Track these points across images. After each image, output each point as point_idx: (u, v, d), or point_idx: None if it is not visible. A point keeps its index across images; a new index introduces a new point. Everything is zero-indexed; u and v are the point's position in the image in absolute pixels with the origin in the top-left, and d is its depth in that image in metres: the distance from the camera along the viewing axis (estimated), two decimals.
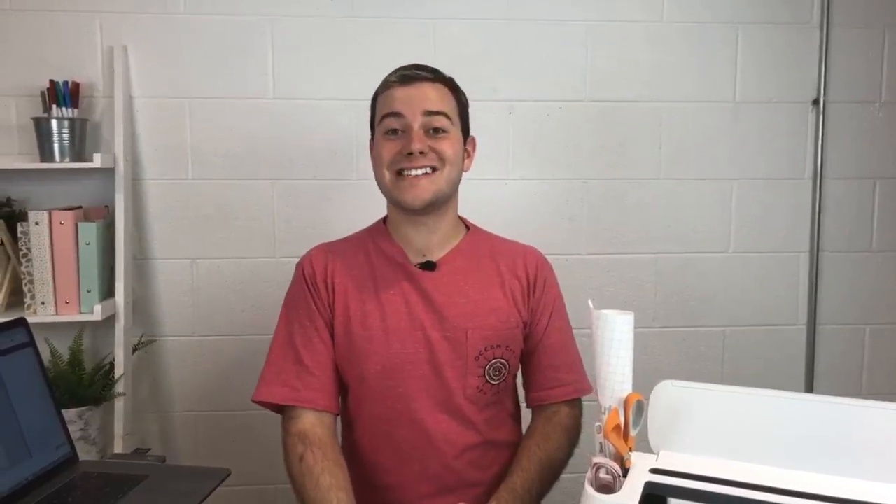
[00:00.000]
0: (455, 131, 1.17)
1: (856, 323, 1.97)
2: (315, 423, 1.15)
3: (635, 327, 0.88)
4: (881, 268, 1.96)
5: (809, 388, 1.96)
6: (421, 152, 1.11)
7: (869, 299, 1.97)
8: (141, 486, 1.13)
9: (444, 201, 1.17)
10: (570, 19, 1.84)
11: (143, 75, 1.77)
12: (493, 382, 1.18)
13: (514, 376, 1.26)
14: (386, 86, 1.18)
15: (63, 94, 1.69)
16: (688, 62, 1.88)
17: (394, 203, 1.18)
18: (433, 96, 1.15)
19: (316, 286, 1.19)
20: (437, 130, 1.14)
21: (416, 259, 1.19)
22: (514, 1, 1.83)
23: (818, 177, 1.92)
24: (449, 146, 1.15)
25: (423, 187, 1.12)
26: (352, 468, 1.15)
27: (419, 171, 1.12)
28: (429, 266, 1.19)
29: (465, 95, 1.23)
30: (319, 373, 1.16)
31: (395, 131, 1.14)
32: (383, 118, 1.15)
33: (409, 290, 1.17)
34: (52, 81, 1.69)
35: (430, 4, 1.81)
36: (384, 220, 1.26)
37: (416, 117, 1.13)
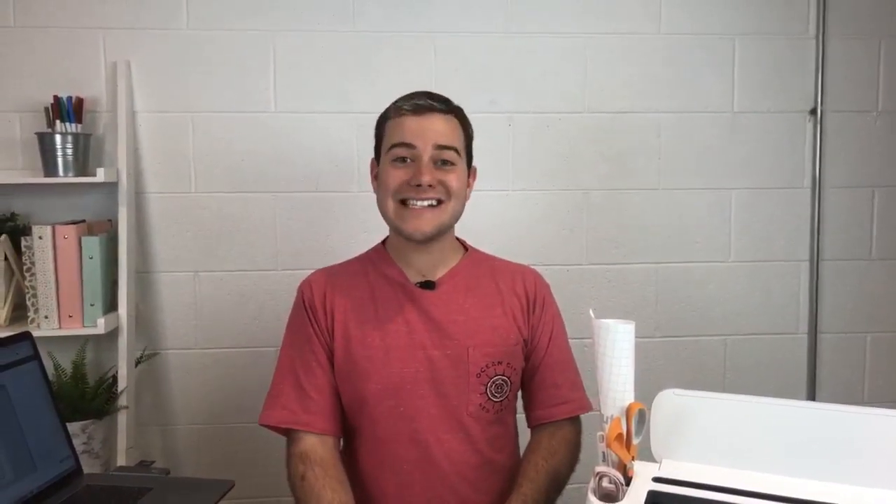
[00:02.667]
0: (461, 164, 1.18)
1: (857, 331, 1.98)
2: (316, 444, 1.16)
3: (636, 337, 0.88)
4: (881, 276, 1.97)
5: (811, 397, 1.96)
6: (430, 185, 1.13)
7: (869, 307, 1.98)
8: (145, 499, 1.14)
9: (444, 232, 1.19)
10: (568, 32, 1.86)
11: (146, 90, 1.79)
12: (495, 399, 1.18)
13: (516, 395, 1.25)
14: (397, 113, 1.18)
15: (67, 110, 1.70)
16: (686, 73, 1.89)
17: (395, 232, 1.20)
18: (444, 129, 1.16)
19: (315, 311, 1.21)
20: (444, 162, 1.16)
21: (416, 279, 1.20)
22: (512, 14, 1.85)
23: (817, 186, 1.93)
24: (455, 179, 1.16)
25: (426, 220, 1.14)
26: (353, 491, 1.16)
27: (424, 203, 1.14)
28: (428, 286, 1.20)
29: (471, 126, 1.24)
30: (318, 396, 1.17)
31: (403, 159, 1.15)
32: (393, 147, 1.16)
33: (409, 310, 1.18)
34: (55, 97, 1.71)
35: (430, 18, 1.83)
36: (383, 242, 1.28)
37: (427, 150, 1.14)
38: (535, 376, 1.23)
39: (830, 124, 1.92)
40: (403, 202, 1.15)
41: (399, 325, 1.17)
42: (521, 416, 1.29)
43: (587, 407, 1.23)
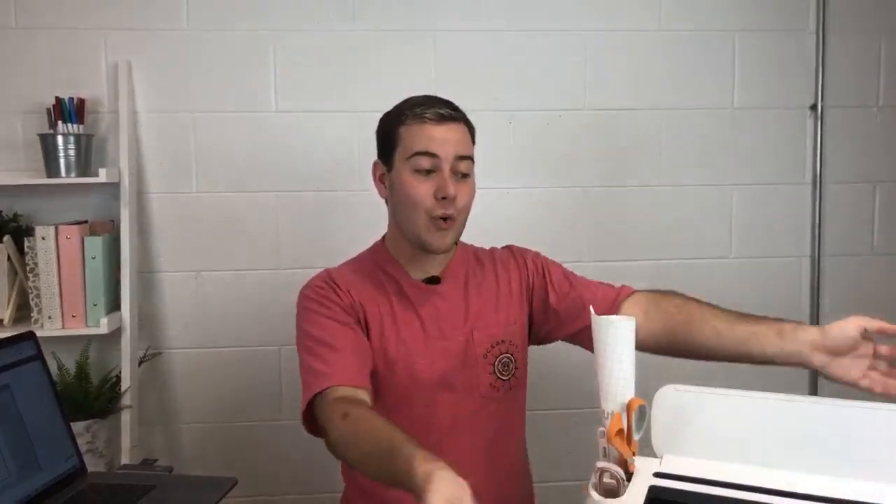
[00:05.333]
0: (473, 174, 1.20)
1: None
2: (352, 392, 1.07)
3: (637, 333, 0.89)
4: (882, 271, 1.96)
5: (813, 392, 1.96)
6: (454, 198, 1.14)
7: (871, 302, 1.97)
8: (149, 497, 1.14)
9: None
10: (568, 29, 1.86)
11: (147, 90, 1.80)
12: (503, 378, 1.21)
13: (524, 375, 1.27)
14: (418, 119, 1.17)
15: (69, 110, 1.71)
16: (686, 70, 1.89)
17: (417, 243, 1.18)
18: (462, 138, 1.18)
19: (335, 293, 1.18)
20: (463, 175, 1.17)
21: (420, 276, 1.22)
22: (513, 12, 1.85)
23: (818, 181, 1.93)
24: (468, 193, 1.18)
25: (449, 237, 1.17)
26: (368, 486, 1.16)
27: (448, 213, 1.15)
28: (433, 281, 1.23)
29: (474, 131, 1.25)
30: (352, 356, 1.11)
31: (426, 171, 1.15)
32: (416, 155, 1.15)
33: (419, 305, 1.20)
34: (57, 98, 1.71)
35: (431, 16, 1.83)
36: (382, 239, 1.28)
37: (448, 160, 1.15)
38: (571, 307, 1.24)
39: (831, 120, 1.92)
40: (432, 218, 1.15)
41: (413, 320, 1.19)
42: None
43: (631, 287, 1.25)
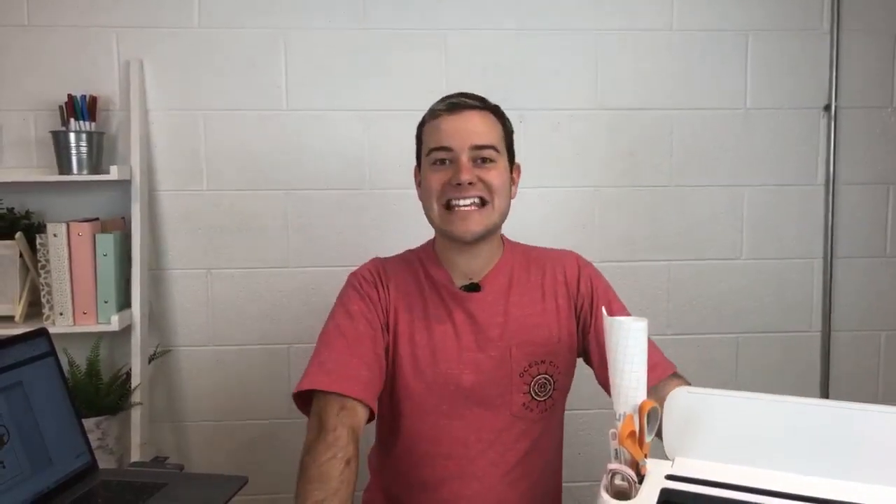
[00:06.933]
0: (502, 160, 1.17)
1: (871, 329, 1.96)
2: (362, 424, 1.08)
3: (649, 334, 0.88)
4: (895, 273, 1.95)
5: (825, 395, 1.95)
6: (470, 183, 1.11)
7: (884, 305, 1.96)
8: (160, 494, 1.14)
9: (493, 232, 1.18)
10: (580, 29, 1.86)
11: (158, 89, 1.80)
12: (539, 399, 1.18)
13: (563, 395, 1.24)
14: (433, 115, 1.17)
15: (81, 108, 1.72)
16: (698, 70, 1.88)
17: (443, 235, 1.17)
18: (480, 127, 1.14)
19: (376, 289, 1.19)
20: (484, 160, 1.14)
21: (461, 282, 1.20)
22: (524, 11, 1.85)
23: (830, 183, 1.92)
24: (496, 176, 1.14)
25: (474, 220, 1.12)
26: (390, 487, 1.16)
27: (467, 202, 1.12)
28: (473, 288, 1.19)
29: (510, 123, 1.22)
30: (368, 372, 1.12)
31: (442, 161, 1.14)
32: (431, 151, 1.15)
33: (455, 313, 1.17)
34: (70, 95, 1.72)
35: (441, 16, 1.83)
36: (433, 241, 1.26)
37: (464, 150, 1.12)
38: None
39: (844, 121, 1.91)
40: (448, 206, 1.13)
41: (446, 326, 1.17)
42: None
43: (674, 368, 1.19)
